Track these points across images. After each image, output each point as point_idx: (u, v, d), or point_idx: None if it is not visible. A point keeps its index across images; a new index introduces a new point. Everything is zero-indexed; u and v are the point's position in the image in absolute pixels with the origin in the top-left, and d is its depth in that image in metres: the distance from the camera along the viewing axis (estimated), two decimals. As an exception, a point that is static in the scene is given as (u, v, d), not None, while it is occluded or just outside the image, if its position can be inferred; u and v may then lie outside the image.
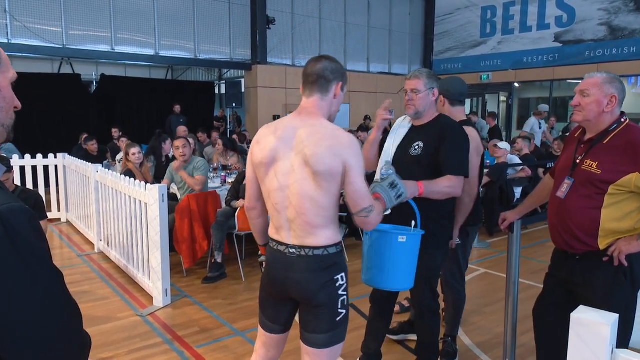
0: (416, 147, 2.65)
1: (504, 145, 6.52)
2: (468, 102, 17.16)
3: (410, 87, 2.66)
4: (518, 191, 6.72)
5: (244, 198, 4.72)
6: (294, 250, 1.93)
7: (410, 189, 2.36)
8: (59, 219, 7.14)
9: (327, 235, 1.92)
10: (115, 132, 8.91)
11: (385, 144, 2.83)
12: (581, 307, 1.48)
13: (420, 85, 2.64)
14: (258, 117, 13.22)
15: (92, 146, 7.87)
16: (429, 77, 2.66)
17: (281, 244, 1.97)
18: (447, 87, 3.07)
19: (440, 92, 2.97)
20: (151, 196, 4.11)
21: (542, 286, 2.60)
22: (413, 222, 2.41)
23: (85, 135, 8.57)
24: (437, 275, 2.83)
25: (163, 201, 4.11)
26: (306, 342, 1.98)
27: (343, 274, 1.96)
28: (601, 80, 2.21)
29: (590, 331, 1.36)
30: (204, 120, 13.00)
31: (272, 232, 2.03)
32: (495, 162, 6.56)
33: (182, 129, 8.02)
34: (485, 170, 6.36)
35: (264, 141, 1.98)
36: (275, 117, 12.99)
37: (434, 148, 2.59)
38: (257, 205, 2.10)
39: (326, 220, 1.90)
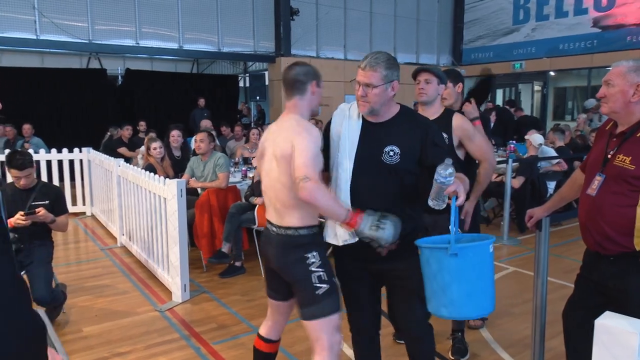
0: (390, 154, 2.17)
1: (533, 137, 6.31)
2: (500, 92, 16.77)
3: (364, 80, 2.16)
4: (552, 185, 6.51)
5: (259, 195, 4.78)
6: (274, 228, 2.29)
7: (466, 185, 2.10)
8: (84, 213, 7.30)
9: (299, 216, 2.21)
10: (141, 126, 9.03)
11: (337, 140, 2.28)
12: (607, 313, 1.39)
13: (375, 79, 2.14)
14: (282, 110, 13.21)
15: (127, 131, 8.00)
16: (388, 66, 2.15)
17: (269, 222, 2.35)
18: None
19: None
20: (169, 191, 4.14)
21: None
22: (452, 228, 2.00)
23: (111, 129, 8.75)
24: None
25: (181, 196, 4.12)
26: (300, 316, 2.30)
27: (315, 252, 2.22)
28: (626, 68, 2.11)
29: (617, 340, 1.27)
30: (228, 114, 13.06)
31: (265, 213, 2.44)
32: (526, 156, 6.37)
33: (205, 123, 8.07)
34: (515, 164, 6.18)
35: (263, 137, 2.45)
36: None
37: (415, 153, 2.17)
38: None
39: (297, 202, 2.16)
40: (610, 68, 2.26)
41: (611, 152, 2.17)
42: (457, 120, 2.96)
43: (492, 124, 10.97)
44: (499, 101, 15.94)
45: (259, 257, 4.86)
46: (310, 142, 2.14)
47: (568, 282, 4.27)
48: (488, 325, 3.74)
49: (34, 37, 9.85)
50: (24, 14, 9.70)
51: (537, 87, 15.81)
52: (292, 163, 2.12)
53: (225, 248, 4.70)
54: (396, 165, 2.17)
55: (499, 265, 5.11)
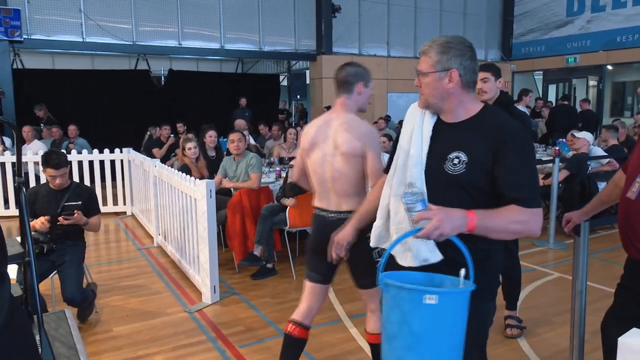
0: (455, 161, 1.74)
1: (582, 134, 5.99)
2: (553, 88, 16.12)
3: (417, 67, 1.86)
4: (602, 186, 6.15)
5: (292, 196, 4.75)
6: (332, 214, 2.57)
7: (453, 221, 1.59)
8: (125, 212, 7.51)
9: (357, 202, 2.48)
10: (180, 127, 9.22)
11: (401, 139, 1.91)
12: (634, 330, 1.28)
13: (425, 65, 1.80)
14: (323, 109, 13.17)
15: (165, 131, 8.17)
16: (442, 50, 1.76)
17: (322, 209, 2.61)
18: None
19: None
20: (199, 191, 4.17)
21: None
22: (463, 271, 1.63)
23: (150, 129, 8.97)
24: (487, 335, 2.07)
25: (211, 197, 4.15)
26: (359, 287, 2.62)
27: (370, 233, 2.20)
28: None
29: (644, 365, 1.15)
30: (269, 113, 13.16)
31: (316, 202, 2.65)
32: (574, 154, 6.06)
33: (239, 122, 8.14)
34: (562, 164, 5.89)
35: (308, 131, 2.66)
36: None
37: (485, 163, 1.71)
38: (300, 179, 2.83)
39: (356, 189, 2.54)
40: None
41: None
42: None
43: (540, 121, 10.55)
44: (552, 97, 15.34)
45: (290, 258, 4.85)
46: (378, 146, 2.54)
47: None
48: (527, 334, 3.56)
49: (81, 40, 10.26)
50: (71, 17, 10.12)
51: (592, 82, 15.10)
52: (367, 164, 2.48)
53: (257, 251, 4.70)
54: (460, 176, 1.73)
55: (542, 271, 4.90)
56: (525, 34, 15.77)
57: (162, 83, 13.20)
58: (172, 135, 8.08)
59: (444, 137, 1.81)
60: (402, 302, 1.57)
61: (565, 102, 10.79)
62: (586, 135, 5.96)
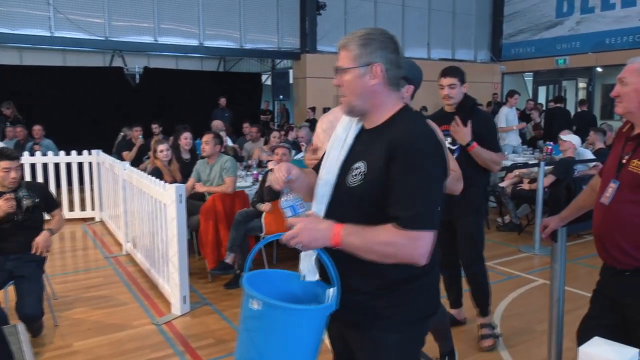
0: (355, 172, 1.60)
1: (568, 137, 6.05)
2: (542, 89, 16.31)
3: (337, 63, 1.67)
4: (589, 191, 6.23)
5: (269, 201, 4.71)
6: None
7: (313, 233, 1.53)
8: (93, 218, 7.39)
9: None
10: (155, 128, 9.12)
11: (326, 155, 1.76)
12: (595, 340, 1.30)
13: (346, 60, 1.62)
14: (307, 109, 13.14)
15: (136, 132, 8.07)
16: (363, 43, 1.60)
17: None
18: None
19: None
20: (168, 196, 4.11)
21: None
22: (331, 290, 1.57)
23: (125, 130, 8.84)
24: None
25: (181, 202, 4.09)
26: None
27: None
28: (639, 65, 2.03)
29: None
30: (251, 114, 13.08)
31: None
32: (560, 158, 6.12)
33: (216, 123, 8.08)
34: (549, 167, 5.94)
35: (325, 129, 2.53)
36: (325, 110, 12.88)
37: (382, 174, 1.54)
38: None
39: None
40: None
41: (626, 157, 2.08)
42: None
43: (531, 123, 10.64)
44: (542, 99, 15.53)
45: (266, 266, 4.80)
46: None
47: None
48: (507, 344, 3.57)
49: (49, 35, 10.09)
50: (38, 10, 9.93)
51: (581, 84, 15.33)
52: None
53: (229, 259, 4.65)
54: (357, 188, 1.58)
55: (527, 277, 4.93)
56: (515, 34, 15.96)
57: (137, 81, 13.06)
58: (140, 137, 7.96)
59: (357, 146, 1.67)
60: (245, 299, 1.57)
61: (560, 105, 10.96)
62: (572, 138, 6.02)
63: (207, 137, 5.10)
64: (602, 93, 15.54)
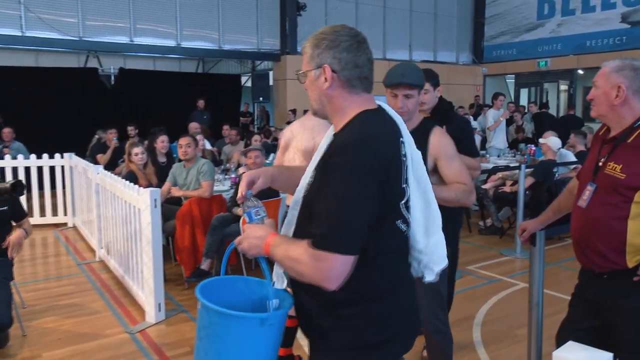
0: (308, 181, 1.59)
1: (546, 140, 6.13)
2: (524, 92, 16.53)
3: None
4: (571, 194, 6.31)
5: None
6: None
7: (251, 240, 1.52)
8: (65, 224, 7.26)
9: None
10: (131, 131, 9.01)
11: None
12: (569, 344, 1.32)
13: (303, 64, 1.57)
14: (287, 111, 13.12)
15: (111, 134, 7.97)
16: (315, 45, 1.52)
17: None
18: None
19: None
20: (143, 201, 4.06)
21: None
22: (274, 301, 1.59)
23: (99, 132, 8.72)
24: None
25: (156, 207, 4.04)
26: None
27: None
28: (609, 69, 2.09)
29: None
30: (230, 116, 13.01)
31: None
32: (540, 160, 6.21)
33: (195, 126, 8.02)
34: (528, 170, 6.01)
35: None
36: (305, 112, 12.87)
37: (317, 184, 1.50)
38: None
39: None
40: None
41: (602, 160, 2.12)
42: (436, 136, 2.53)
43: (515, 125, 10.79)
44: (524, 101, 15.74)
45: (244, 272, 4.77)
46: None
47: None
48: (488, 349, 3.59)
49: (20, 34, 9.90)
50: (8, 9, 9.74)
51: (563, 87, 15.58)
52: None
53: (205, 265, 4.61)
54: (304, 197, 1.56)
55: (508, 281, 4.98)
56: (497, 36, 16.15)
57: (112, 83, 12.90)
58: (115, 139, 7.87)
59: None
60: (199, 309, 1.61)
61: (544, 110, 11.25)
62: (550, 141, 6.10)
63: (183, 141, 5.06)
64: (584, 96, 15.83)
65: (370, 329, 1.48)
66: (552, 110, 13.61)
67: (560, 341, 2.35)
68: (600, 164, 2.11)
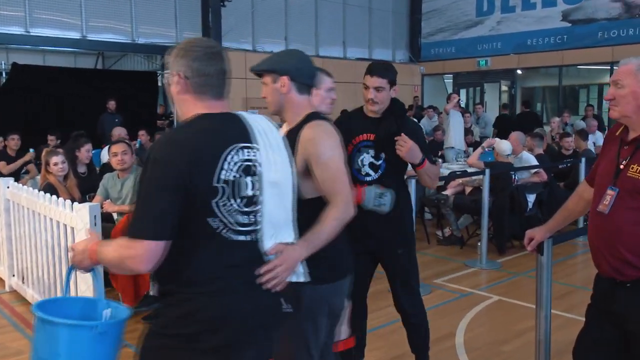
0: None
1: (501, 146, 6.47)
2: (463, 92, 17.27)
3: None
4: (531, 199, 6.66)
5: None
6: None
7: (77, 256, 1.99)
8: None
9: None
10: (51, 141, 8.45)
11: None
12: None
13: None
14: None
15: (12, 141, 7.49)
16: (174, 53, 1.88)
17: None
18: (295, 64, 2.28)
19: (285, 71, 2.25)
20: (80, 219, 3.85)
21: (570, 315, 2.48)
22: (107, 311, 2.00)
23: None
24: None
25: (95, 225, 3.85)
26: None
27: None
28: (636, 66, 2.15)
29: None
30: (146, 120, 12.60)
31: None
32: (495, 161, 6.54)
33: (119, 131, 7.71)
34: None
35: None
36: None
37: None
38: None
39: None
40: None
41: (624, 162, 2.20)
42: (304, 132, 2.22)
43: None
44: (462, 102, 16.40)
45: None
46: None
47: (560, 311, 4.29)
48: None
49: None
50: None
51: (504, 87, 16.40)
52: None
53: (154, 290, 4.41)
54: None
55: (480, 294, 5.13)
56: (434, 33, 16.76)
57: (2, 80, 12.14)
58: (31, 151, 7.42)
59: None
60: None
61: (505, 112, 12.16)
62: (497, 146, 6.47)
63: (118, 148, 4.86)
64: (522, 96, 16.77)
65: (178, 318, 1.74)
66: (493, 112, 14.25)
67: (579, 355, 2.45)
68: (622, 166, 2.20)
